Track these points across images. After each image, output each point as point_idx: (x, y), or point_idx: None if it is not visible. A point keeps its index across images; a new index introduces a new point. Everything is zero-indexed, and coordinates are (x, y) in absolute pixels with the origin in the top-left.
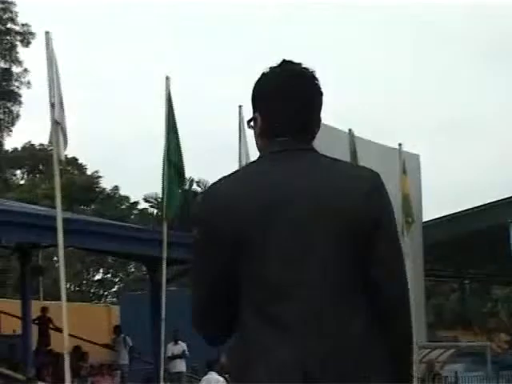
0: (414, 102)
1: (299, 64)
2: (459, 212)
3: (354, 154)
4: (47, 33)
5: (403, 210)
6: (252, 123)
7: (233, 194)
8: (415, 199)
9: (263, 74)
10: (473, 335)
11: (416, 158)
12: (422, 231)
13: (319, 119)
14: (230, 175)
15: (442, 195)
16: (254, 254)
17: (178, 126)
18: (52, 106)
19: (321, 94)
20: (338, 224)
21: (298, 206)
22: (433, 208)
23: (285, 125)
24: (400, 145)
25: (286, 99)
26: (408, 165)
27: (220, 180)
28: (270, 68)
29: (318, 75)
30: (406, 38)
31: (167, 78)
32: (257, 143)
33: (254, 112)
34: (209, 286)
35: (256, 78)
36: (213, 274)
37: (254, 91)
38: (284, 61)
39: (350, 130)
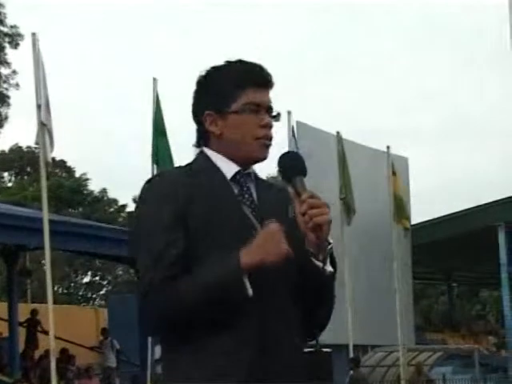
0: (402, 104)
1: None
2: (447, 215)
3: (342, 156)
4: (34, 34)
5: (395, 212)
6: None
7: None
8: (404, 202)
9: None
10: (461, 338)
11: (404, 160)
12: (411, 233)
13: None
14: None
15: (431, 198)
16: None
17: (169, 127)
18: (38, 107)
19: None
20: None
21: None
22: (421, 211)
23: None
24: (388, 148)
25: None
26: (396, 167)
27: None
28: None
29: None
30: (395, 40)
31: (154, 80)
32: None
33: None
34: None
35: None
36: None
37: None
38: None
39: (337, 132)
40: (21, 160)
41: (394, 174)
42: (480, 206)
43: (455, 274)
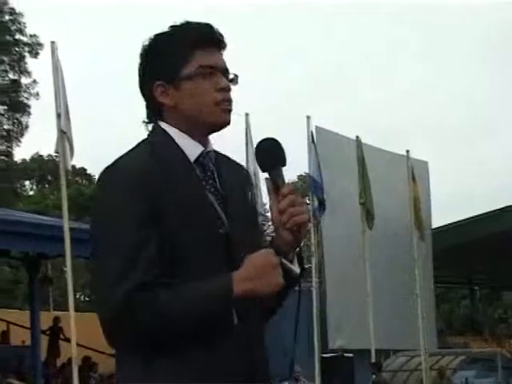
0: (422, 107)
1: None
2: (469, 218)
3: (361, 161)
4: (53, 42)
5: (414, 216)
6: None
7: None
8: (424, 206)
9: None
10: (483, 341)
11: (424, 164)
12: (432, 237)
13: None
14: None
15: (452, 201)
16: None
17: None
18: (58, 115)
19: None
20: None
21: None
22: (442, 214)
23: None
24: (408, 151)
25: None
26: (416, 172)
27: None
28: None
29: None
30: (411, 42)
31: None
32: None
33: None
34: None
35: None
36: None
37: None
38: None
39: (357, 137)
40: (41, 168)
41: (413, 178)
42: (501, 208)
43: (477, 277)
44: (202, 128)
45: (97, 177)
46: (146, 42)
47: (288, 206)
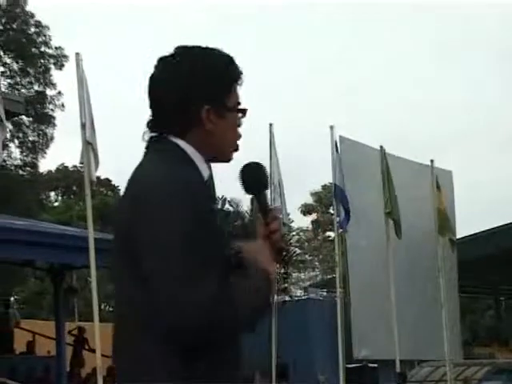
0: (446, 116)
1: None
2: (494, 227)
3: (386, 171)
4: (77, 54)
5: (439, 225)
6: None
7: None
8: (449, 215)
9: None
10: (509, 352)
11: (448, 174)
12: (457, 247)
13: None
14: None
15: (477, 211)
16: None
17: None
18: (83, 126)
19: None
20: (117, 240)
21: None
22: (467, 224)
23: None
24: (432, 161)
25: None
26: (441, 181)
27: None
28: None
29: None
30: (431, 50)
31: None
32: None
33: None
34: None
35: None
36: None
37: None
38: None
39: (381, 147)
40: (66, 179)
41: (438, 188)
42: None
43: (502, 287)
44: (215, 158)
45: (121, 188)
46: (198, 57)
47: (279, 226)
